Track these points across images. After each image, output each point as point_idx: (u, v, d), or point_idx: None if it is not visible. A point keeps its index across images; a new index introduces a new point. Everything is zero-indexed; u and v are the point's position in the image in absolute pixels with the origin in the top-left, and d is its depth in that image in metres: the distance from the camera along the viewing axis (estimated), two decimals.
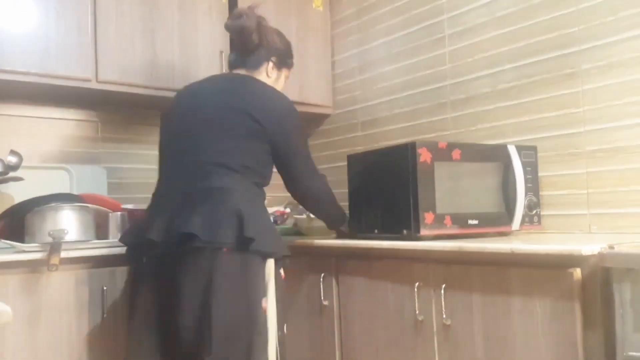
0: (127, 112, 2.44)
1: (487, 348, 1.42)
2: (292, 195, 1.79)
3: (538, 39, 1.94)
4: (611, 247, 1.22)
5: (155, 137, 2.51)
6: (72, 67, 2.00)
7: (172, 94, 2.21)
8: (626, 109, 1.72)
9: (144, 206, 1.95)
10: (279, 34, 1.84)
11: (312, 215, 1.99)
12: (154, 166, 2.47)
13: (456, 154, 1.68)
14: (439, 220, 1.63)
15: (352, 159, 1.89)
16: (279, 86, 1.83)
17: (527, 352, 1.34)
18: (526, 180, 1.79)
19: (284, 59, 1.85)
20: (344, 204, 1.90)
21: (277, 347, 1.52)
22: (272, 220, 1.77)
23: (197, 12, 2.30)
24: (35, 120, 2.23)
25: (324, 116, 2.78)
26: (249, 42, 1.74)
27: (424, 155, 1.62)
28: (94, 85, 2.05)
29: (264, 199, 1.67)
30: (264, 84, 1.72)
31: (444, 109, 2.26)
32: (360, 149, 2.62)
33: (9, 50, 1.88)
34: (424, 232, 1.60)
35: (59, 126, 2.29)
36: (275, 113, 1.65)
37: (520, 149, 1.80)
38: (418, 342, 1.59)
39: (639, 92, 1.69)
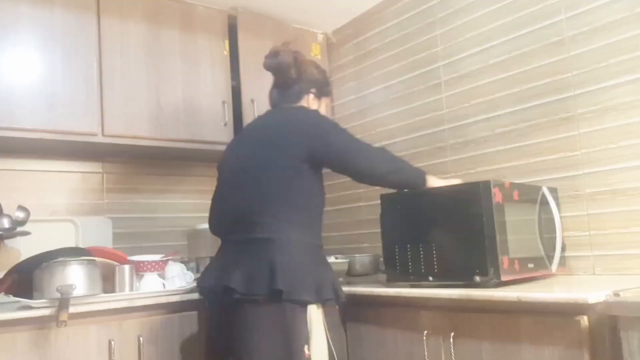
0: (132, 162, 2.48)
1: None
2: (370, 183, 1.77)
3: (533, 84, 2.00)
4: (616, 294, 1.24)
5: (159, 185, 2.55)
6: (78, 122, 2.04)
7: (177, 144, 2.29)
8: (622, 151, 1.76)
9: (150, 257, 1.98)
10: (316, 66, 1.89)
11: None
12: (158, 215, 2.52)
13: (516, 194, 1.64)
14: (512, 264, 1.54)
15: (387, 200, 1.76)
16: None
17: None
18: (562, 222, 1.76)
19: (323, 89, 1.89)
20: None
21: None
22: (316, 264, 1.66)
23: (200, 64, 2.36)
24: (42, 174, 2.27)
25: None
26: (287, 77, 1.79)
27: (498, 196, 1.54)
28: (100, 139, 2.10)
29: (312, 242, 1.65)
30: (296, 107, 1.77)
31: (443, 152, 2.30)
32: (362, 191, 2.65)
33: (16, 107, 1.92)
34: (504, 277, 1.50)
35: (64, 179, 2.32)
36: (307, 122, 1.69)
37: (550, 190, 1.78)
38: None
39: (634, 135, 1.74)
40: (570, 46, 1.90)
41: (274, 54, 1.80)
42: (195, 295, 1.86)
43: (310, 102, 1.83)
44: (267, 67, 1.83)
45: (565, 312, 1.30)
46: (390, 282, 1.73)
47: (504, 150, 2.09)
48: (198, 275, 2.01)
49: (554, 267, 1.73)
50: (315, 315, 1.56)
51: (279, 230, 1.59)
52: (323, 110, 1.87)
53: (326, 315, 1.59)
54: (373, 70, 2.63)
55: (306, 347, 1.52)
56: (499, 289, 1.46)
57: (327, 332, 1.58)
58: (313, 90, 1.84)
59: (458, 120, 2.25)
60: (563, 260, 1.80)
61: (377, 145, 2.57)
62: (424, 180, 1.77)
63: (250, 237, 1.60)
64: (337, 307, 1.65)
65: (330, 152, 1.65)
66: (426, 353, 1.58)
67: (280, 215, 1.60)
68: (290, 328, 1.51)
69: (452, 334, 1.52)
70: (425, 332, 1.59)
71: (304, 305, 1.54)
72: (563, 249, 1.78)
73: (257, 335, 1.51)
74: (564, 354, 1.29)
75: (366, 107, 2.66)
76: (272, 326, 1.51)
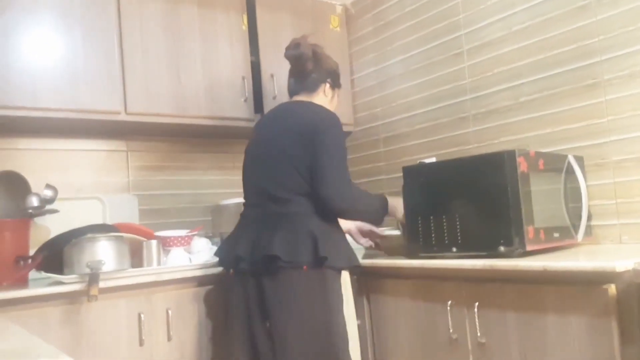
0: (155, 140, 2.50)
1: None
2: (323, 203, 1.71)
3: (558, 51, 1.95)
4: None
5: (182, 162, 2.58)
6: (102, 101, 2.06)
7: (198, 121, 2.30)
8: None
9: (176, 233, 2.01)
10: (330, 58, 2.01)
11: (392, 233, 2.01)
12: (182, 191, 2.55)
13: (541, 163, 1.62)
14: (537, 234, 1.53)
15: (409, 171, 1.76)
16: (334, 104, 2.00)
17: None
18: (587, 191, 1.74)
19: (337, 80, 2.01)
20: None
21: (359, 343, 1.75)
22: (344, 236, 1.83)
23: (219, 40, 2.36)
24: (68, 153, 2.30)
25: (346, 133, 2.80)
26: (305, 67, 1.92)
27: (523, 165, 1.54)
28: (123, 117, 2.11)
29: (334, 217, 1.78)
30: (316, 105, 1.87)
31: (466, 123, 2.27)
32: (382, 164, 2.65)
33: (39, 87, 1.95)
34: (529, 247, 1.49)
35: (90, 157, 2.35)
36: (318, 118, 1.78)
37: (576, 159, 1.76)
38: None
39: None
40: (597, 10, 1.84)
41: (294, 46, 1.92)
42: (220, 269, 1.89)
43: (326, 90, 1.96)
44: (288, 57, 1.95)
45: (592, 281, 1.29)
46: (413, 253, 1.73)
47: (528, 120, 2.05)
48: None
49: (580, 236, 1.71)
50: (345, 280, 1.73)
51: (305, 204, 1.72)
52: (335, 100, 2.02)
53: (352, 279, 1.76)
54: (393, 41, 2.59)
55: (344, 306, 1.68)
56: (523, 258, 1.46)
57: (353, 295, 1.75)
58: (329, 80, 1.97)
59: (480, 90, 2.21)
60: (589, 229, 1.78)
61: (397, 118, 2.56)
62: (385, 212, 1.88)
63: (281, 211, 1.72)
64: (357, 274, 1.84)
65: (316, 151, 1.70)
66: (450, 323, 1.59)
67: (301, 190, 1.72)
68: (331, 292, 1.66)
69: (477, 304, 1.52)
70: (449, 302, 1.59)
71: (339, 271, 1.70)
72: (589, 217, 1.76)
73: (301, 299, 1.63)
74: (590, 323, 1.29)
75: (386, 79, 2.63)
76: (315, 290, 1.64)
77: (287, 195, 1.73)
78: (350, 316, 1.72)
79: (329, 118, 1.79)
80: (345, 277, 1.74)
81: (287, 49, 1.94)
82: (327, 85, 1.96)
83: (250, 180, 1.87)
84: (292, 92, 1.97)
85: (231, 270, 1.78)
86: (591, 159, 1.86)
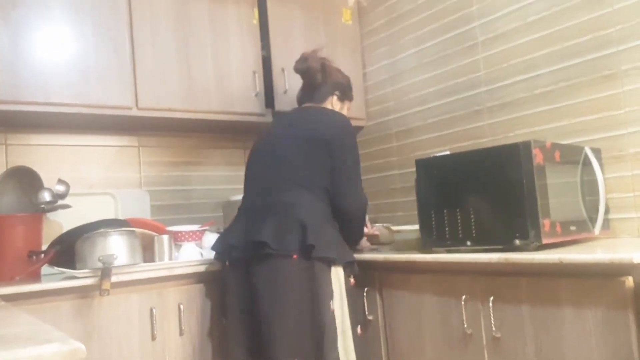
0: (166, 135, 2.50)
1: (540, 359, 1.40)
2: (343, 213, 1.84)
3: (574, 41, 1.92)
4: None
5: (193, 158, 2.58)
6: (113, 96, 2.06)
7: (208, 116, 2.29)
8: None
9: (187, 228, 2.01)
10: (340, 72, 2.07)
11: (393, 227, 2.08)
12: (193, 187, 2.55)
13: (557, 155, 1.59)
14: (553, 227, 1.50)
15: (422, 165, 1.73)
16: None
17: None
18: (605, 184, 1.70)
19: (346, 92, 2.07)
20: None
21: (354, 346, 1.68)
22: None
23: (230, 34, 2.35)
24: (80, 149, 2.31)
25: (358, 128, 2.79)
26: (314, 80, 1.99)
27: (538, 157, 1.50)
28: (134, 112, 2.11)
29: (329, 210, 1.81)
30: (327, 109, 1.95)
31: (480, 116, 2.24)
32: (395, 159, 2.62)
33: (51, 82, 1.95)
34: (545, 240, 1.47)
35: (102, 153, 2.36)
36: (335, 125, 1.84)
37: (593, 151, 1.72)
38: (468, 355, 1.57)
39: None
40: (613, 0, 1.81)
41: (303, 60, 2.00)
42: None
43: (334, 103, 2.01)
44: (296, 70, 2.02)
45: (608, 273, 1.26)
46: (426, 247, 1.71)
47: (543, 112, 2.02)
48: None
49: (597, 229, 1.68)
50: (336, 275, 1.68)
51: (300, 195, 1.74)
52: (345, 112, 2.05)
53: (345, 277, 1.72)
54: (405, 33, 2.56)
55: (331, 302, 1.65)
56: (539, 252, 1.43)
57: (346, 293, 1.70)
58: (337, 92, 2.02)
59: (495, 82, 2.18)
60: (607, 222, 1.74)
61: (410, 111, 2.54)
62: (359, 242, 2.00)
63: (274, 201, 1.74)
64: (356, 274, 1.78)
65: (339, 161, 1.79)
66: (464, 317, 1.56)
67: (308, 186, 1.75)
68: (318, 283, 1.64)
69: (491, 298, 1.50)
70: (464, 296, 1.57)
71: (329, 264, 1.67)
72: (607, 211, 1.72)
73: (288, 288, 1.62)
74: (607, 315, 1.26)
75: (398, 72, 2.61)
76: (301, 280, 1.63)
77: (283, 185, 1.76)
78: (344, 314, 1.68)
79: (345, 124, 1.86)
80: (338, 272, 1.69)
81: (296, 63, 2.02)
82: (335, 97, 2.01)
83: (251, 174, 1.89)
84: (299, 101, 2.04)
85: (227, 262, 1.78)
86: (608, 151, 1.83)
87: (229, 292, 1.76)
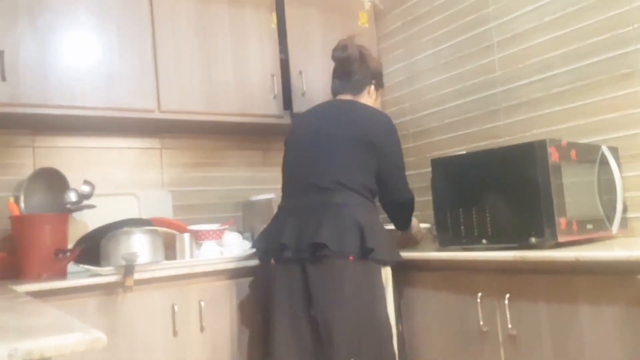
0: (187, 137, 2.55)
1: (557, 357, 1.40)
2: (384, 204, 1.90)
3: (590, 40, 1.92)
4: None
5: (213, 159, 2.62)
6: (136, 100, 2.12)
7: (228, 118, 2.34)
8: None
9: (208, 226, 2.05)
10: (375, 59, 2.06)
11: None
12: (213, 187, 2.60)
13: (573, 154, 1.60)
14: (569, 225, 1.51)
15: (438, 164, 1.76)
16: (377, 104, 2.05)
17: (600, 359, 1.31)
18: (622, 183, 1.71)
19: (381, 80, 2.07)
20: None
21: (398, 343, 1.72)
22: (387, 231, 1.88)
23: (248, 38, 2.39)
24: (104, 151, 2.37)
25: None
26: (351, 69, 1.96)
27: (554, 155, 1.51)
28: (157, 115, 2.17)
29: (377, 212, 1.83)
30: (368, 106, 1.92)
31: (496, 116, 2.25)
32: (411, 159, 2.64)
33: (77, 86, 2.01)
34: (561, 238, 1.47)
35: (126, 155, 2.42)
36: (383, 129, 1.84)
37: (611, 149, 1.72)
38: (484, 353, 1.58)
39: None
40: None
41: (342, 48, 1.97)
42: (251, 262, 1.92)
43: (371, 92, 2.00)
44: (336, 59, 2.00)
45: (625, 271, 1.27)
46: (442, 246, 1.72)
47: (560, 111, 2.02)
48: None
49: (615, 228, 1.67)
50: (386, 275, 1.72)
51: (350, 196, 1.74)
52: (379, 100, 2.07)
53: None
54: (422, 35, 2.58)
55: (385, 302, 1.69)
56: (555, 250, 1.44)
57: (393, 291, 1.74)
58: (374, 81, 2.01)
59: (511, 82, 2.19)
60: (624, 221, 1.74)
61: (426, 112, 2.55)
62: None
63: (326, 202, 1.73)
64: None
65: (390, 161, 1.83)
66: (480, 315, 1.58)
67: (356, 188, 1.75)
68: (375, 284, 1.67)
69: (507, 295, 1.51)
70: (479, 294, 1.58)
71: (382, 265, 1.70)
72: (624, 209, 1.72)
73: (347, 289, 1.62)
74: (624, 312, 1.26)
75: (415, 73, 2.63)
76: (360, 281, 1.64)
77: (332, 187, 1.74)
78: (390, 313, 1.71)
79: (390, 124, 1.87)
80: (387, 273, 1.73)
81: (335, 50, 1.99)
82: (372, 86, 2.00)
83: (293, 171, 1.87)
84: (336, 92, 2.00)
85: (272, 261, 1.75)
86: (626, 150, 1.82)
87: (277, 291, 1.72)
